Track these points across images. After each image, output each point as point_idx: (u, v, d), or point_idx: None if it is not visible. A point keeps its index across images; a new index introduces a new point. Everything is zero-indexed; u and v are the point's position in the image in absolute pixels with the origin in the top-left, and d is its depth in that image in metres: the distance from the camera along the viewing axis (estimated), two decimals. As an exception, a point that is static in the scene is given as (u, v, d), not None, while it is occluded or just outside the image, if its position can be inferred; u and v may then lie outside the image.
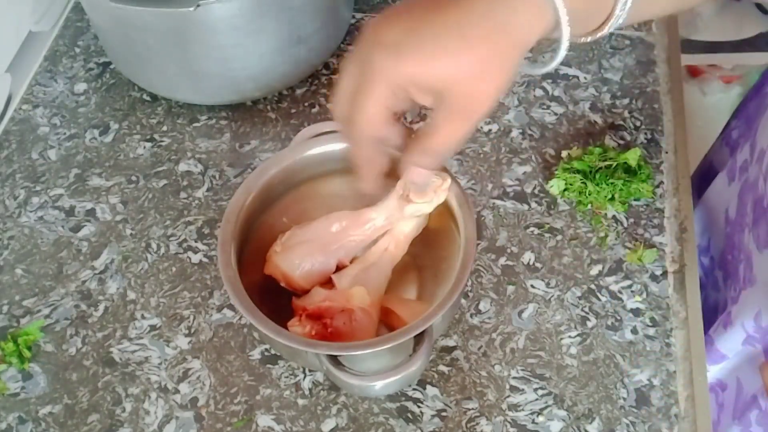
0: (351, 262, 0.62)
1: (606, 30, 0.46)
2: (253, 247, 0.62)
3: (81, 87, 0.85)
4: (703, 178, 0.88)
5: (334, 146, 0.64)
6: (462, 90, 0.42)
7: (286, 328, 0.57)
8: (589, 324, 0.65)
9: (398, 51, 0.41)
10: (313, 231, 0.62)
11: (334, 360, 0.54)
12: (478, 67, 0.41)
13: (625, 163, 0.73)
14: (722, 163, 0.84)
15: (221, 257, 0.57)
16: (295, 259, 0.61)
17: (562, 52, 0.44)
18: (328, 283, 0.61)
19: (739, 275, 0.70)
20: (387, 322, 0.62)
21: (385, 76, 0.42)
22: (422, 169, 0.51)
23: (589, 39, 0.47)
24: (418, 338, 0.54)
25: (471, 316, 0.66)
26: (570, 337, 0.65)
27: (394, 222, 0.61)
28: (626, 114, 0.79)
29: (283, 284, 0.62)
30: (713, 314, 0.77)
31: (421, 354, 0.53)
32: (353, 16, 0.89)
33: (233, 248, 0.58)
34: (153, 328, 0.67)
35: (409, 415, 0.61)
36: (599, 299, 0.67)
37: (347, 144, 0.49)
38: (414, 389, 0.62)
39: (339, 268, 0.62)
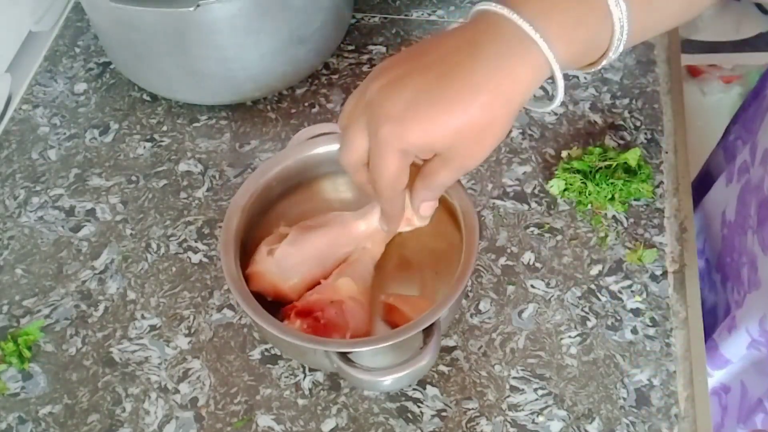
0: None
1: (601, 65, 0.48)
2: (251, 249, 0.62)
3: (81, 87, 0.85)
4: (700, 185, 0.87)
5: (331, 148, 0.64)
6: (463, 149, 0.45)
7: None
8: (589, 324, 0.65)
9: (403, 124, 0.44)
10: (308, 249, 0.62)
11: (344, 356, 0.54)
12: (478, 127, 0.44)
13: (625, 163, 0.73)
14: (719, 169, 0.84)
15: (225, 261, 0.57)
16: (293, 278, 0.61)
17: (559, 97, 0.46)
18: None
19: (742, 279, 0.69)
20: (390, 319, 0.62)
21: (394, 147, 0.45)
22: (432, 204, 0.53)
23: (583, 72, 0.50)
24: (427, 332, 0.54)
25: (471, 316, 0.66)
26: (570, 337, 0.65)
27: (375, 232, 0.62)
28: (626, 114, 0.79)
29: (270, 299, 0.62)
30: (711, 317, 0.77)
31: (430, 348, 0.53)
32: (353, 16, 0.89)
33: (235, 252, 0.58)
34: (153, 328, 0.67)
35: (409, 415, 0.61)
36: (599, 299, 0.67)
37: (376, 201, 0.53)
38: (414, 389, 0.62)
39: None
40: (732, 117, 0.88)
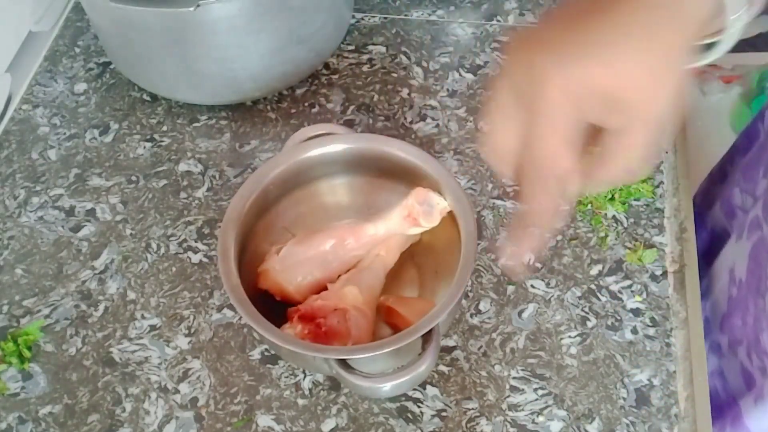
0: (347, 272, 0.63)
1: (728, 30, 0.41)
2: (250, 251, 0.62)
3: (81, 87, 0.85)
4: (704, 244, 0.80)
5: (328, 149, 0.64)
6: (642, 94, 0.37)
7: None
8: (589, 324, 0.65)
9: (567, 52, 0.35)
10: (313, 248, 0.62)
11: (343, 363, 0.54)
12: (656, 64, 0.36)
13: (625, 163, 0.73)
14: (721, 224, 0.76)
15: (222, 266, 0.58)
16: (297, 276, 0.61)
17: (732, 35, 0.40)
18: (323, 290, 0.62)
19: (763, 345, 0.63)
20: (390, 321, 0.62)
21: (560, 85, 0.36)
22: (427, 191, 0.49)
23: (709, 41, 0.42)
24: (426, 337, 0.54)
25: (471, 316, 0.66)
26: (570, 337, 0.65)
27: (392, 235, 0.62)
28: (626, 114, 0.79)
29: (279, 298, 0.62)
30: (720, 379, 0.72)
31: (429, 353, 0.53)
32: (353, 16, 0.89)
33: (234, 255, 0.59)
34: (153, 328, 0.67)
35: (409, 415, 0.61)
36: (599, 299, 0.67)
37: (523, 195, 0.41)
38: (414, 389, 0.62)
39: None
40: (724, 157, 0.80)
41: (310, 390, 0.63)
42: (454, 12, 0.89)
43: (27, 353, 0.65)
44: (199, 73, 0.76)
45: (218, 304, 0.68)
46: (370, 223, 0.61)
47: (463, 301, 0.67)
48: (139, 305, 0.68)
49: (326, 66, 0.85)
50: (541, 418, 0.60)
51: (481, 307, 0.66)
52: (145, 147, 0.80)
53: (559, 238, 0.70)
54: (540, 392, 0.62)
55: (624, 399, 0.61)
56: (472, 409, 0.61)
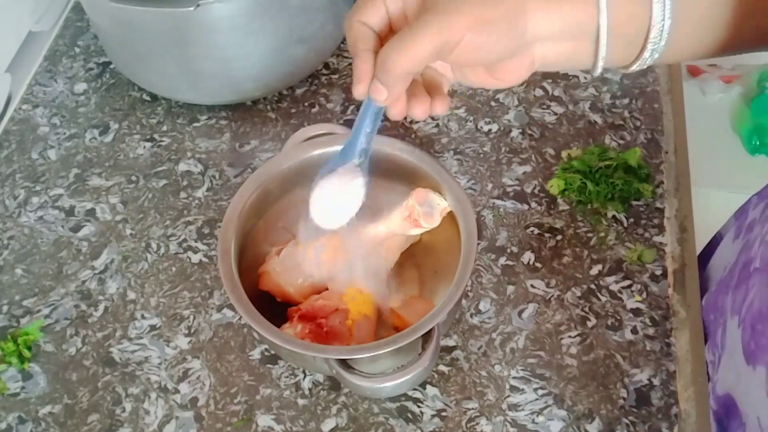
0: None
1: (636, 65, 0.46)
2: (250, 251, 0.62)
3: (81, 87, 0.85)
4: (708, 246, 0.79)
5: (328, 150, 0.64)
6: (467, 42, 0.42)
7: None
8: (589, 324, 0.65)
9: (459, 14, 0.42)
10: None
11: (343, 363, 0.54)
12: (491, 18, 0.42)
13: (625, 162, 0.73)
14: (727, 227, 0.78)
15: (222, 266, 0.58)
16: (298, 278, 0.61)
17: (601, 59, 0.44)
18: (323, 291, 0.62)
19: (717, 340, 0.63)
20: (390, 320, 0.62)
21: (442, 34, 0.42)
22: (427, 192, 0.51)
23: (623, 70, 0.48)
24: (426, 337, 0.54)
25: (471, 316, 0.66)
26: (570, 337, 0.65)
27: (392, 235, 0.62)
28: (626, 114, 0.79)
29: (279, 299, 0.62)
30: None
31: (429, 353, 0.53)
32: (353, 16, 0.88)
33: (234, 255, 0.59)
34: (153, 328, 0.67)
35: (409, 415, 0.61)
36: (599, 299, 0.67)
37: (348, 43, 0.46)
38: (414, 389, 0.62)
39: None
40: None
41: (310, 390, 0.63)
42: (454, 12, 0.89)
43: (27, 353, 0.65)
44: (199, 73, 0.76)
45: (218, 304, 0.68)
46: (370, 223, 0.61)
47: (463, 301, 0.67)
48: (139, 305, 0.68)
49: (326, 66, 0.85)
50: (541, 418, 0.60)
51: (481, 307, 0.66)
52: (145, 147, 0.80)
53: (559, 238, 0.70)
54: (540, 392, 0.62)
55: (624, 399, 0.61)
56: (472, 409, 0.61)
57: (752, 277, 0.55)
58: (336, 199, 0.53)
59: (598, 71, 0.47)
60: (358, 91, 0.46)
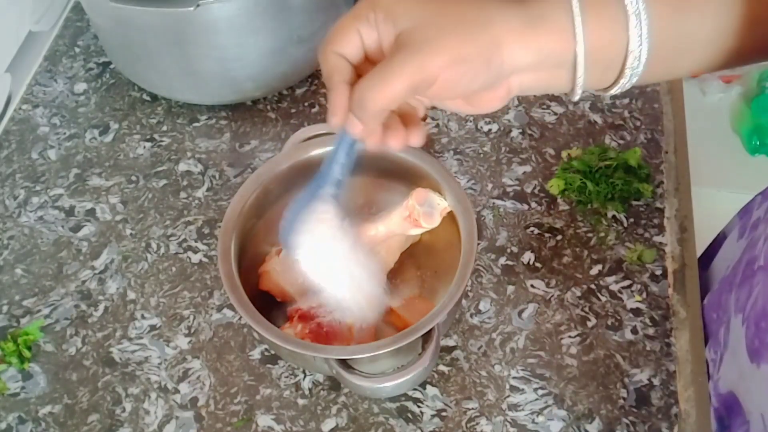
0: None
1: (616, 89, 0.46)
2: (250, 251, 0.62)
3: (81, 87, 0.85)
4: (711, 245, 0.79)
5: (329, 149, 0.63)
6: (423, 34, 0.42)
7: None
8: (589, 324, 0.65)
9: (432, 51, 0.42)
10: None
11: (343, 363, 0.54)
12: (459, 29, 0.42)
13: (625, 162, 0.73)
14: (731, 225, 0.75)
15: (222, 266, 0.58)
16: (298, 278, 0.61)
17: (579, 85, 0.44)
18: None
19: (719, 338, 0.64)
20: (389, 320, 0.62)
21: (416, 70, 0.42)
22: (427, 192, 0.51)
23: (600, 93, 0.48)
24: (426, 337, 0.54)
25: (471, 316, 0.66)
26: (570, 337, 0.65)
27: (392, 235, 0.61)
28: (626, 114, 0.79)
29: (279, 299, 0.62)
30: None
31: (429, 353, 0.53)
32: (353, 16, 0.88)
33: (234, 255, 0.59)
34: (153, 328, 0.67)
35: (409, 415, 0.61)
36: (599, 299, 0.67)
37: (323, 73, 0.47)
38: (414, 389, 0.62)
39: None
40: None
41: (310, 390, 0.63)
42: (454, 12, 0.89)
43: (27, 353, 0.65)
44: (199, 73, 0.76)
45: (218, 304, 0.68)
46: (370, 223, 0.61)
47: (463, 301, 0.67)
48: (139, 305, 0.68)
49: (326, 66, 0.85)
50: (541, 418, 0.60)
51: (481, 307, 0.66)
52: (145, 147, 0.80)
53: (559, 238, 0.70)
54: (540, 392, 0.62)
55: (624, 399, 0.61)
56: (472, 408, 0.61)
57: (756, 275, 0.55)
58: (308, 236, 0.53)
59: (576, 97, 0.47)
60: (333, 123, 0.46)
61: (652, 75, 0.46)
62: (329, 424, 0.61)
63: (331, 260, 0.55)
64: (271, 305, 0.62)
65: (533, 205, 0.73)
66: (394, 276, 0.64)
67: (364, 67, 0.45)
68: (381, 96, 0.42)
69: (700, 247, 0.72)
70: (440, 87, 0.43)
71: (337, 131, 0.48)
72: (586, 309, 0.66)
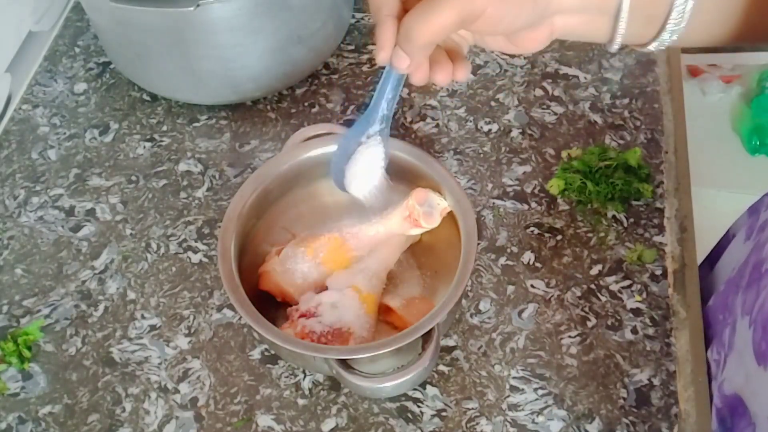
0: None
1: (654, 44, 0.46)
2: (250, 251, 0.63)
3: (81, 87, 0.85)
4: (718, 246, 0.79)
5: (329, 149, 0.64)
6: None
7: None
8: (589, 324, 0.65)
9: None
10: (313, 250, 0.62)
11: (344, 363, 0.54)
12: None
13: (625, 162, 0.73)
14: (739, 225, 0.75)
15: (222, 267, 0.58)
16: (298, 278, 0.61)
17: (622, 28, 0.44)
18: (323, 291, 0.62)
19: (723, 339, 0.63)
20: (389, 320, 0.62)
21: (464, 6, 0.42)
22: (427, 192, 0.51)
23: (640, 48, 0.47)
24: (426, 337, 0.54)
25: (471, 316, 0.66)
26: (570, 337, 0.65)
27: (392, 235, 0.62)
28: (626, 114, 0.79)
29: (279, 299, 0.62)
30: None
31: (429, 353, 0.53)
32: (353, 16, 0.88)
33: (234, 255, 0.59)
34: (153, 328, 0.67)
35: (409, 415, 0.61)
36: (599, 299, 0.67)
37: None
38: (414, 389, 0.62)
39: None
40: None
41: (310, 390, 0.63)
42: (454, 12, 0.89)
43: (27, 353, 0.65)
44: (199, 73, 0.76)
45: (218, 304, 0.68)
46: (370, 223, 0.61)
47: (463, 301, 0.67)
48: (139, 305, 0.68)
49: (326, 66, 0.85)
50: (541, 418, 0.60)
51: (481, 307, 0.66)
52: (145, 147, 0.80)
53: (559, 238, 0.70)
54: (540, 392, 0.62)
55: (624, 399, 0.61)
56: (472, 408, 0.61)
57: (764, 278, 0.55)
58: (359, 167, 0.54)
59: (615, 47, 0.46)
60: (381, 58, 0.46)
61: (688, 38, 0.45)
62: (329, 424, 0.61)
63: (380, 191, 0.56)
64: (271, 305, 0.62)
65: (533, 205, 0.73)
66: (394, 276, 0.64)
67: (411, 1, 0.45)
68: (428, 28, 0.42)
69: (701, 247, 0.72)
70: (485, 22, 0.42)
71: (383, 65, 0.48)
72: (586, 309, 0.66)
